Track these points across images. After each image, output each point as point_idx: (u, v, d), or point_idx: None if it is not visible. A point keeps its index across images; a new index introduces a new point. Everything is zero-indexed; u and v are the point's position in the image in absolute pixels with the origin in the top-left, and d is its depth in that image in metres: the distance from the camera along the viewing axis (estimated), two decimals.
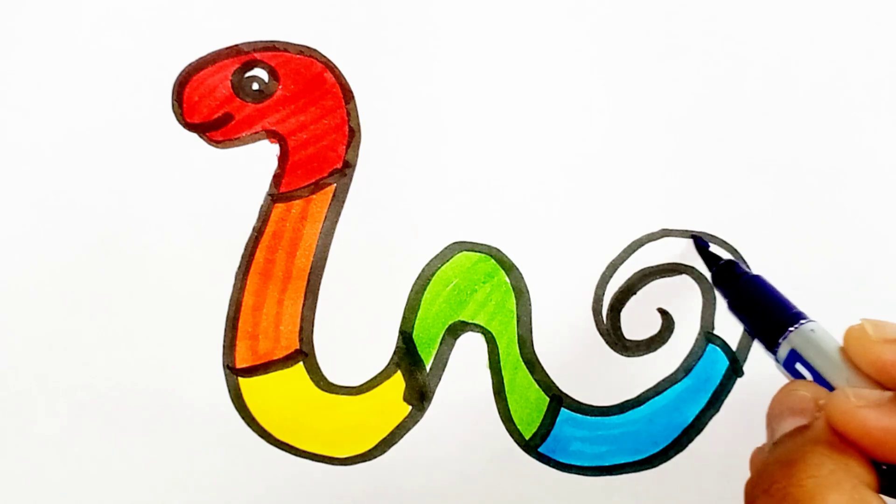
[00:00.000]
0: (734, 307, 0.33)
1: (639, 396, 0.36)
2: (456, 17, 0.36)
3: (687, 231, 0.36)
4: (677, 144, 0.36)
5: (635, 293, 0.36)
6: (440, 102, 0.36)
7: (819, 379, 0.28)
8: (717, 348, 0.36)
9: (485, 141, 0.36)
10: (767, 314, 0.30)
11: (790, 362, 0.29)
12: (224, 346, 0.36)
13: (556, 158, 0.36)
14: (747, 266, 0.35)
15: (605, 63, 0.36)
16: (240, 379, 0.36)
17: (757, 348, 0.36)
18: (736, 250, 0.36)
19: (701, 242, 0.36)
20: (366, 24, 0.36)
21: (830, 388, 0.27)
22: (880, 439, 0.24)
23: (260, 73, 0.36)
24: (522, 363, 0.36)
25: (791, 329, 0.29)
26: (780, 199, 0.36)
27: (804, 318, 0.29)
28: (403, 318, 0.36)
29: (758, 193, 0.36)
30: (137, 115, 0.35)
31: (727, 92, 0.36)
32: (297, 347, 0.36)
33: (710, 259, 0.35)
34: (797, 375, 0.28)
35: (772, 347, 0.30)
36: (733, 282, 0.33)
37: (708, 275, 0.35)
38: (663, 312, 0.36)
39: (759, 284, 0.32)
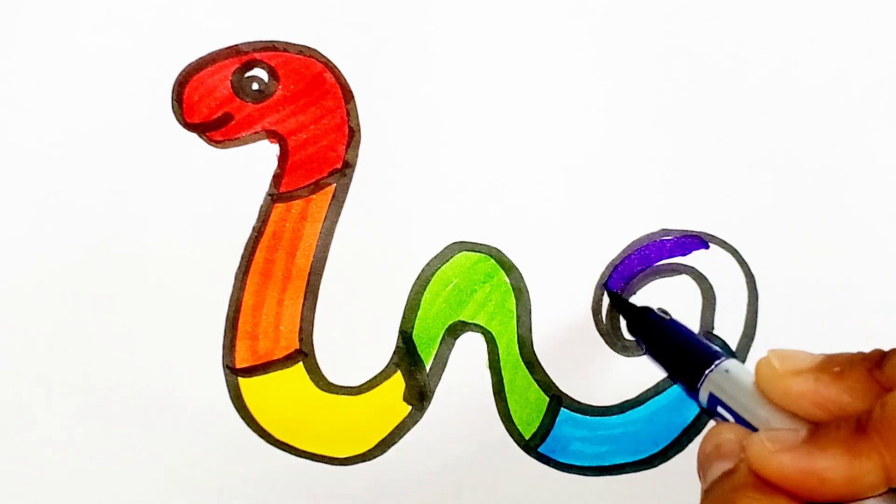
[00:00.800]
0: (652, 355, 0.32)
1: (639, 396, 0.36)
2: (456, 17, 0.36)
3: (687, 231, 0.36)
4: (677, 144, 0.36)
5: (635, 293, 0.36)
6: (440, 102, 0.36)
7: (741, 420, 0.27)
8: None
9: (485, 141, 0.36)
10: (683, 359, 0.30)
11: (712, 405, 0.28)
12: (224, 346, 0.36)
13: (555, 158, 0.36)
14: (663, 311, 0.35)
15: (605, 63, 0.36)
16: (240, 379, 0.36)
17: (757, 348, 0.36)
18: (736, 250, 0.36)
19: (611, 290, 0.35)
20: (366, 24, 0.36)
21: (753, 427, 0.27)
22: (799, 482, 0.24)
23: (260, 73, 0.36)
24: (522, 363, 0.36)
25: (707, 372, 0.28)
26: (781, 199, 0.36)
27: (720, 356, 0.29)
28: (403, 318, 0.36)
29: (758, 193, 0.36)
30: (137, 115, 0.35)
31: (727, 92, 0.36)
32: (297, 347, 0.36)
33: (623, 308, 0.35)
34: (722, 418, 0.28)
35: (693, 392, 0.29)
36: (649, 329, 0.33)
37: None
38: (663, 312, 0.36)
39: (674, 329, 0.32)
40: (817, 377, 0.26)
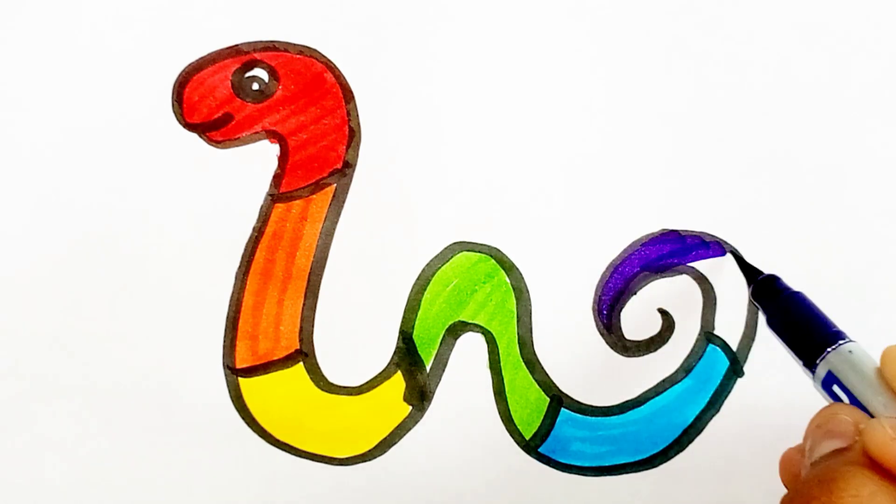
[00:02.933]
0: (773, 324, 0.32)
1: (639, 396, 0.36)
2: (456, 17, 0.36)
3: (688, 231, 0.36)
4: (677, 144, 0.36)
5: (635, 293, 0.36)
6: (440, 102, 0.36)
7: (856, 401, 0.27)
8: (718, 348, 0.36)
9: (485, 141, 0.36)
10: (806, 333, 0.30)
11: (828, 383, 0.29)
12: (224, 346, 0.36)
13: (556, 158, 0.36)
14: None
15: (605, 63, 0.36)
16: (240, 379, 0.36)
17: (757, 349, 0.36)
18: (736, 250, 0.36)
19: (739, 256, 0.35)
20: (366, 24, 0.36)
21: (867, 411, 0.27)
22: None
23: (260, 73, 0.36)
24: (522, 363, 0.36)
25: (829, 350, 0.29)
26: (781, 198, 0.36)
27: (843, 337, 0.29)
28: (403, 318, 0.36)
29: (758, 193, 0.36)
30: (137, 115, 0.35)
31: (727, 92, 0.36)
32: (297, 347, 0.36)
33: (749, 273, 0.34)
34: (834, 396, 0.28)
35: (810, 367, 0.29)
36: (773, 298, 0.32)
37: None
38: (663, 312, 0.36)
39: (799, 301, 0.31)
40: None
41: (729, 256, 0.36)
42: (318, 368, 0.36)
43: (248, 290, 0.36)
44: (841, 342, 0.29)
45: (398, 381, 0.36)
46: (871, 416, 0.27)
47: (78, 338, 0.35)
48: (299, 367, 0.36)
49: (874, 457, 0.25)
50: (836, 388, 0.28)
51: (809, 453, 0.27)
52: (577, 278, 0.36)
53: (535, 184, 0.36)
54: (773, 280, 0.33)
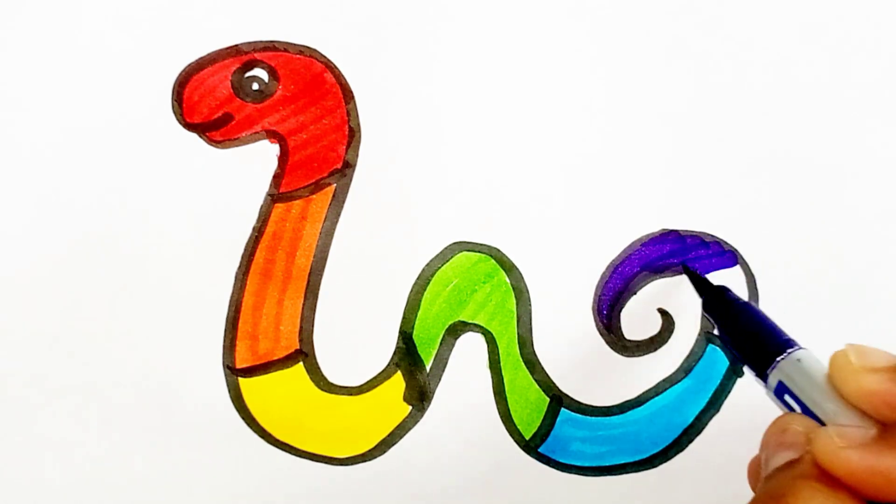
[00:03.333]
0: (724, 335, 0.32)
1: (639, 397, 0.36)
2: (456, 18, 0.36)
3: (688, 231, 0.36)
4: (677, 144, 0.36)
5: (635, 293, 0.36)
6: (440, 102, 0.36)
7: (808, 410, 0.27)
8: (718, 348, 0.36)
9: (485, 141, 0.36)
10: (756, 343, 0.30)
11: (780, 393, 0.28)
12: (224, 346, 0.36)
13: (555, 158, 0.36)
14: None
15: (605, 63, 0.36)
16: (240, 379, 0.36)
17: None
18: (736, 250, 0.36)
19: (688, 267, 0.35)
20: (366, 24, 0.36)
21: (820, 420, 0.27)
22: (865, 480, 0.24)
23: (260, 73, 0.36)
24: (522, 363, 0.36)
25: (778, 359, 0.29)
26: (781, 198, 0.36)
27: (793, 345, 0.29)
28: (403, 318, 0.36)
29: (758, 193, 0.36)
30: (137, 115, 0.35)
31: (727, 92, 0.36)
32: (297, 347, 0.36)
33: (700, 285, 0.34)
34: (787, 406, 0.28)
35: (762, 377, 0.29)
36: (724, 309, 0.32)
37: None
38: (663, 312, 0.36)
39: (749, 312, 0.31)
40: (893, 377, 0.25)
41: (716, 250, 0.36)
42: (318, 368, 0.36)
43: (247, 290, 0.36)
44: (790, 350, 0.29)
45: (398, 381, 0.36)
46: (823, 423, 0.26)
47: (78, 338, 0.35)
48: (299, 367, 0.36)
49: (823, 466, 0.25)
50: (787, 399, 0.28)
51: (765, 465, 0.27)
52: (577, 278, 0.36)
53: (535, 184, 0.36)
54: (723, 291, 0.33)
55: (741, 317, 0.31)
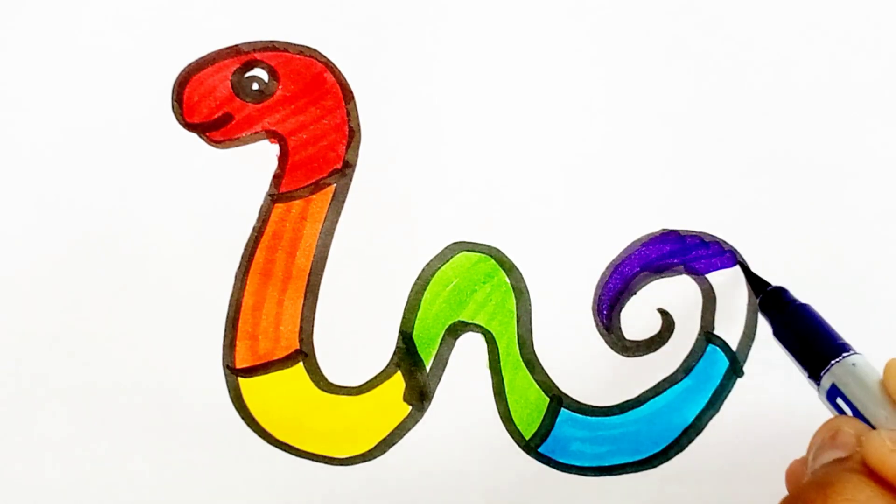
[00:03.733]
0: (779, 335, 0.32)
1: (639, 397, 0.36)
2: (456, 18, 0.36)
3: (688, 231, 0.36)
4: (677, 144, 0.36)
5: (635, 293, 0.36)
6: (440, 102, 0.36)
7: (859, 414, 0.28)
8: (717, 348, 0.36)
9: (485, 141, 0.36)
10: (811, 345, 0.30)
11: (832, 396, 0.29)
12: (224, 346, 0.36)
13: (556, 158, 0.36)
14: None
15: (605, 63, 0.36)
16: (240, 379, 0.36)
17: (757, 349, 0.36)
18: (736, 250, 0.36)
19: (746, 267, 0.36)
20: (366, 24, 0.36)
21: (870, 424, 0.27)
22: None
23: (260, 73, 0.36)
24: (522, 363, 0.36)
25: (833, 362, 0.29)
26: (781, 198, 0.36)
27: (848, 350, 0.29)
28: (403, 318, 0.36)
29: (758, 193, 0.36)
30: (137, 115, 0.35)
31: (727, 92, 0.36)
32: (297, 347, 0.36)
33: (757, 284, 0.35)
34: (839, 408, 0.28)
35: (815, 379, 0.30)
36: (780, 310, 0.33)
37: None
38: (663, 312, 0.36)
39: (805, 314, 0.32)
40: None
41: (716, 250, 0.36)
42: (318, 368, 0.36)
43: (247, 290, 0.36)
44: (845, 354, 0.29)
45: (398, 381, 0.36)
46: (874, 428, 0.27)
47: (78, 338, 0.35)
48: (299, 367, 0.36)
49: (873, 467, 0.25)
50: (839, 402, 0.28)
51: (812, 464, 0.27)
52: (577, 278, 0.36)
53: (535, 184, 0.36)
54: (781, 292, 0.33)
55: (797, 318, 0.32)
